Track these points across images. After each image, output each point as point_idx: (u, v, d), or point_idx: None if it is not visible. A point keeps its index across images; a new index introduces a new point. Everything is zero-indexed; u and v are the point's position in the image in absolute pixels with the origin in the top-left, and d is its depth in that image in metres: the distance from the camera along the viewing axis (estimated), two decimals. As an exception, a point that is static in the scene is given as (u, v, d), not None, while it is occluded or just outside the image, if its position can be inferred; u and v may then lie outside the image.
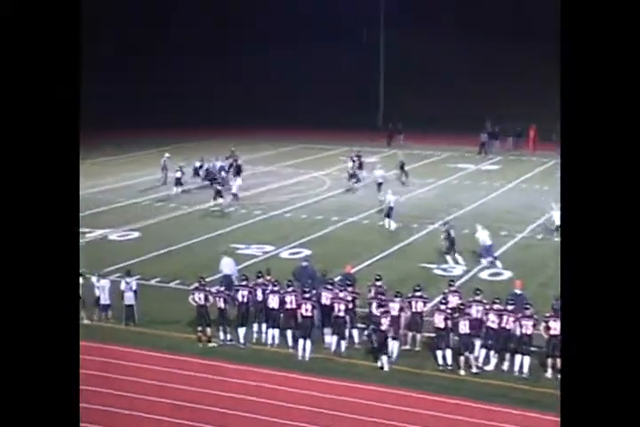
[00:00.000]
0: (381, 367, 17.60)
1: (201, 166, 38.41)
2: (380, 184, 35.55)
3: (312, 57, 62.26)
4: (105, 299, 20.46)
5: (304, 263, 21.45)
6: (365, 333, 18.92)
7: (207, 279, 20.52)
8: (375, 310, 18.34)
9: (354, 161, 38.49)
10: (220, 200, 33.27)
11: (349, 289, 19.11)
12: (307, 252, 26.44)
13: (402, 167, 39.32)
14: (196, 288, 19.48)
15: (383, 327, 17.78)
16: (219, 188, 33.71)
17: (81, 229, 29.60)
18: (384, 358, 17.65)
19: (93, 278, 20.67)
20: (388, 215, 29.91)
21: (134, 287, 20.32)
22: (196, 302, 19.22)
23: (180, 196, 36.02)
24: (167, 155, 38.89)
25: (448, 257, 25.48)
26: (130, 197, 35.82)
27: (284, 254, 26.67)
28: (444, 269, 24.85)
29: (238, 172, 38.21)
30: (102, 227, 30.15)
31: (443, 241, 26.03)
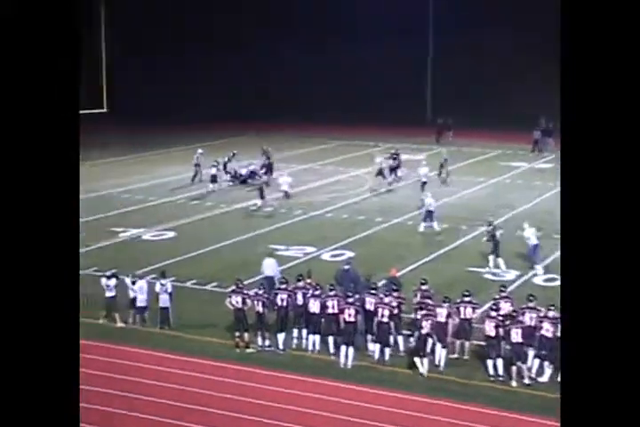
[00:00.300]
0: (421, 374, 17.62)
1: (229, 160, 38.49)
2: (424, 183, 35.44)
3: (356, 50, 62.16)
4: (142, 300, 20.66)
5: (346, 266, 21.48)
6: (411, 340, 18.89)
7: (245, 282, 20.66)
8: (417, 314, 18.36)
9: (394, 159, 38.38)
10: (262, 201, 33.35)
11: (395, 294, 19.12)
12: (349, 254, 26.49)
13: (443, 165, 39.23)
14: (234, 291, 19.62)
15: (424, 331, 17.79)
16: (262, 186, 33.71)
17: (114, 229, 30.05)
18: (421, 360, 17.66)
19: (127, 279, 20.91)
20: (426, 219, 29.83)
21: (169, 289, 20.52)
22: (233, 305, 19.36)
23: (216, 193, 36.30)
24: (200, 151, 39.12)
25: (490, 260, 25.37)
26: (161, 195, 36.17)
27: (326, 256, 26.76)
28: (495, 274, 24.72)
29: (269, 170, 38.45)
30: (135, 226, 30.49)
31: (487, 243, 25.90)
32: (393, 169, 37.95)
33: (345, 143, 51.29)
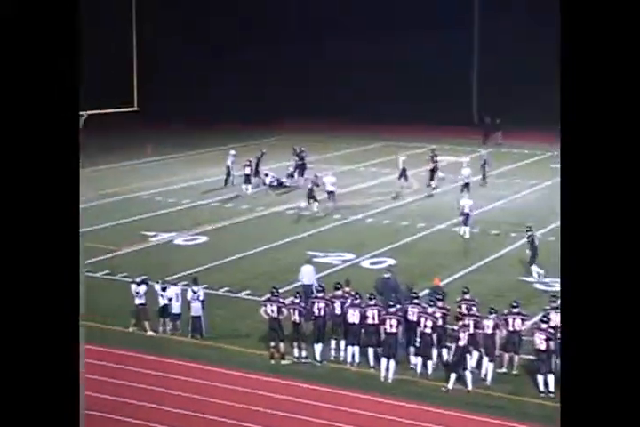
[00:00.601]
0: (447, 389, 17.58)
1: (259, 160, 38.59)
2: (466, 185, 35.36)
3: (398, 46, 62.10)
4: (177, 308, 20.81)
5: (387, 275, 21.46)
6: (448, 352, 18.84)
7: (281, 290, 20.74)
8: (443, 323, 18.33)
9: (435, 161, 38.34)
10: (315, 204, 33.49)
11: (439, 304, 19.07)
12: (390, 261, 26.46)
13: (483, 167, 39.16)
14: (269, 299, 19.70)
15: (461, 343, 17.74)
16: (312, 188, 33.78)
17: (144, 233, 30.33)
18: (456, 375, 17.64)
19: (156, 286, 21.10)
20: (465, 223, 29.83)
21: (202, 297, 20.66)
22: (268, 314, 19.44)
23: (250, 196, 36.51)
24: (233, 152, 39.28)
25: (533, 270, 25.20)
26: (194, 198, 36.45)
27: (365, 264, 26.76)
28: (546, 284, 24.52)
29: (302, 172, 38.67)
30: (167, 230, 30.77)
31: (527, 250, 25.79)
32: (432, 172, 37.90)
33: (388, 144, 51.24)
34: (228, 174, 38.37)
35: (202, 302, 20.59)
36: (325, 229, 31.29)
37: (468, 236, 29.68)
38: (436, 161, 38.38)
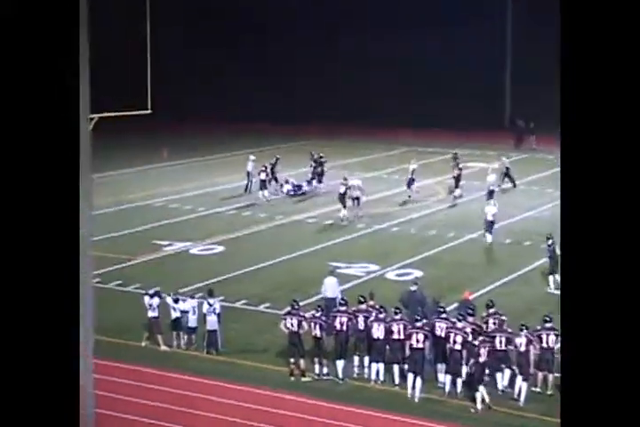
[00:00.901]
0: (475, 410, 17.54)
1: (273, 166, 38.65)
2: (491, 192, 35.36)
3: (419, 50, 62.17)
4: (193, 321, 20.85)
5: (413, 287, 21.41)
6: (467, 369, 18.77)
7: (301, 303, 20.72)
8: (472, 339, 18.21)
9: (460, 168, 38.27)
10: (344, 212, 33.57)
11: (469, 319, 18.97)
12: (417, 273, 26.43)
13: (507, 173, 39.07)
14: (289, 313, 19.71)
15: (481, 359, 17.69)
16: (344, 194, 33.83)
17: (158, 242, 30.42)
18: (478, 395, 17.57)
19: (168, 298, 21.13)
20: (489, 231, 29.93)
21: (218, 310, 20.68)
22: (287, 328, 19.44)
23: (269, 204, 36.62)
24: (252, 157, 39.32)
25: (550, 281, 25.17)
26: (211, 206, 36.56)
27: (390, 276, 26.72)
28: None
29: (320, 179, 38.85)
30: (181, 239, 30.86)
31: (547, 259, 25.82)
32: (456, 179, 37.80)
33: (412, 149, 51.25)
34: (248, 181, 38.47)
35: (218, 315, 20.61)
36: (348, 239, 31.29)
37: (489, 241, 29.69)
38: (461, 168, 38.30)
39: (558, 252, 25.18)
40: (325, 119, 59.19)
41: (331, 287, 22.00)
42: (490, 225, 30.08)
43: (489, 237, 30.16)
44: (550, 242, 25.52)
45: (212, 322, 20.52)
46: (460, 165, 38.46)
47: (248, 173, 38.56)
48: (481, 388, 17.68)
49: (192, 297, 21.45)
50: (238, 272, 26.96)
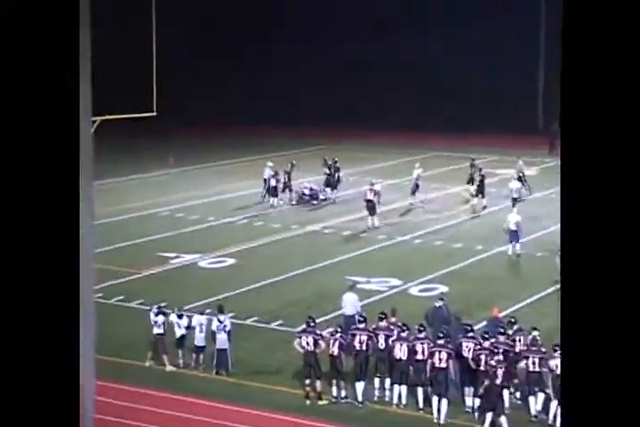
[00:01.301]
0: None
1: (289, 173, 38.79)
2: (515, 200, 35.12)
3: (454, 50, 62.37)
4: (200, 339, 20.85)
5: (438, 304, 21.39)
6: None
7: (318, 320, 20.73)
8: (491, 359, 18.17)
9: (482, 175, 38.04)
10: (372, 220, 33.73)
11: (500, 339, 18.87)
12: (442, 288, 26.39)
13: (520, 179, 39.22)
14: (304, 331, 19.74)
15: (498, 381, 17.66)
16: (372, 199, 33.90)
17: (164, 254, 30.49)
18: (500, 420, 17.49)
19: (172, 315, 21.13)
20: (515, 240, 29.99)
21: (228, 327, 20.68)
22: (303, 347, 19.44)
23: (284, 213, 36.73)
24: (270, 164, 39.34)
25: None
26: (221, 215, 36.68)
27: (414, 291, 26.71)
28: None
29: (334, 186, 38.96)
30: (189, 251, 30.94)
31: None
32: (479, 186, 37.73)
33: (438, 155, 51.21)
34: (268, 189, 38.33)
35: (228, 332, 20.60)
36: (368, 251, 31.28)
37: (517, 253, 29.75)
38: (483, 175, 38.19)
39: (558, 263, 25.15)
40: (343, 123, 59.25)
41: (350, 304, 21.98)
42: (514, 235, 30.05)
43: (515, 248, 30.10)
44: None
45: (221, 340, 20.52)
46: (482, 172, 38.39)
47: (265, 180, 38.55)
48: (502, 418, 17.60)
49: (200, 313, 21.47)
50: (250, 287, 27.01)
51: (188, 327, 20.94)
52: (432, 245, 32.05)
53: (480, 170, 38.56)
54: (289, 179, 38.81)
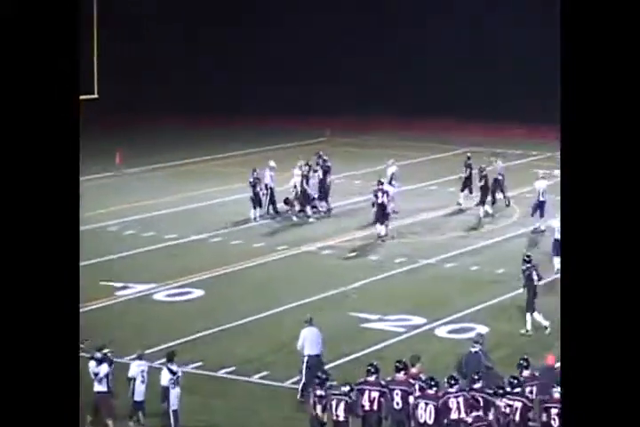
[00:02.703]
0: None
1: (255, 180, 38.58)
2: (540, 204, 35.86)
3: (484, 34, 63.24)
4: (139, 394, 20.79)
5: (474, 348, 21.40)
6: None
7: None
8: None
9: (484, 177, 38.56)
10: (381, 228, 34.29)
11: (556, 395, 18.56)
12: (479, 328, 26.35)
13: (496, 181, 39.60)
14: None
15: None
16: (381, 202, 34.45)
17: (109, 283, 30.44)
18: None
19: (92, 363, 20.83)
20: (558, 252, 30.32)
21: (180, 379, 20.55)
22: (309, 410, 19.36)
23: (268, 228, 36.91)
24: (272, 164, 39.27)
25: (527, 320, 26.02)
26: (186, 231, 36.71)
27: (441, 332, 26.74)
28: None
29: (325, 193, 39.03)
30: (141, 280, 30.87)
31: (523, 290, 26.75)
32: (483, 191, 38.36)
33: (473, 150, 51.30)
34: (267, 197, 38.44)
35: (178, 387, 20.42)
36: (381, 279, 31.28)
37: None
38: (485, 175, 38.51)
39: (536, 278, 26.15)
40: (347, 111, 59.76)
41: (312, 341, 22.28)
42: (557, 246, 30.34)
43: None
44: (527, 266, 26.37)
45: (174, 397, 20.36)
46: (485, 172, 38.71)
47: (267, 187, 38.32)
48: None
49: (139, 358, 21.39)
50: (223, 326, 26.99)
51: (142, 376, 20.90)
52: (467, 271, 32.02)
53: (482, 170, 38.77)
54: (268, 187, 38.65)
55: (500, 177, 39.42)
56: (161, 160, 49.11)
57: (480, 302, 29.03)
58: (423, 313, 27.97)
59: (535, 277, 26.34)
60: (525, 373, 20.08)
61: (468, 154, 42.02)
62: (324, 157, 40.19)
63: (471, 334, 25.06)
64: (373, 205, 35.38)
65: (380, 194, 34.97)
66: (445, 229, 37.25)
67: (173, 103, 61.44)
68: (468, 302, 28.83)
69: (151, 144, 52.89)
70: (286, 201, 38.67)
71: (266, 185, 38.18)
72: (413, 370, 19.80)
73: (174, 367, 20.69)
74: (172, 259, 33.62)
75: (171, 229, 36.94)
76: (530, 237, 36.04)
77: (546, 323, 25.98)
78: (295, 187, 38.32)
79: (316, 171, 39.26)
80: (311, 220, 38.32)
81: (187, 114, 60.29)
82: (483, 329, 26.26)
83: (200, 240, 35.82)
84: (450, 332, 26.72)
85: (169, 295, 29.87)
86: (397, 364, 19.78)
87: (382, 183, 35.58)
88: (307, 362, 21.89)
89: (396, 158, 43.12)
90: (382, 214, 34.85)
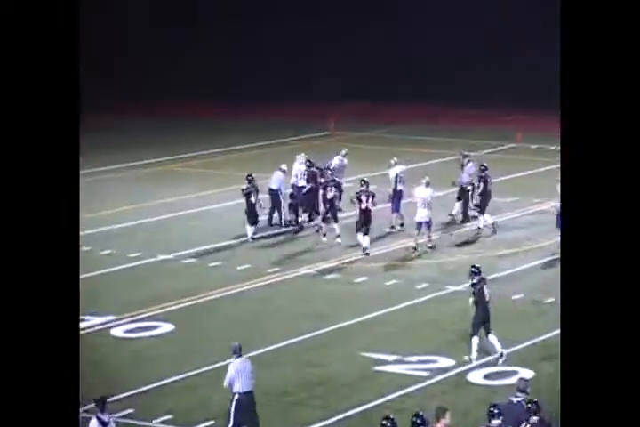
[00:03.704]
0: None
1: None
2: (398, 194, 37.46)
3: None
4: None
5: (517, 398, 21.24)
6: None
7: (321, 424, 21.66)
8: None
9: (484, 178, 39.13)
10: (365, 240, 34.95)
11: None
12: (523, 373, 26.26)
13: (480, 180, 40.08)
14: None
15: None
16: (368, 206, 35.00)
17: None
18: None
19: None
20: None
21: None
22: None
23: (254, 246, 37.34)
24: (283, 167, 39.91)
25: (473, 343, 26.91)
26: (156, 249, 37.07)
27: (474, 377, 26.73)
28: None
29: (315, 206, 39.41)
30: (97, 311, 30.95)
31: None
32: (482, 198, 38.90)
33: (516, 147, 51.64)
34: (277, 207, 39.04)
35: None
36: (399, 310, 31.40)
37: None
38: (486, 179, 39.14)
39: (487, 293, 27.17)
40: (358, 97, 60.75)
41: (243, 376, 22.90)
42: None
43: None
44: (477, 278, 27.38)
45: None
46: (484, 172, 39.35)
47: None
48: None
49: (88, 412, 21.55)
50: (198, 370, 27.02)
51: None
52: (506, 300, 31.91)
53: (483, 170, 39.33)
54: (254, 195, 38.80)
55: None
56: (124, 159, 49.25)
57: (525, 339, 29.09)
58: (452, 353, 27.98)
59: (486, 292, 27.07)
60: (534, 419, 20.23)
61: (465, 152, 42.54)
62: (308, 159, 40.46)
63: (513, 380, 24.84)
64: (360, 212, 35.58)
65: (363, 197, 35.15)
66: (474, 248, 37.65)
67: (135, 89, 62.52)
68: (508, 340, 28.54)
69: (113, 139, 53.04)
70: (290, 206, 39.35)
71: (278, 190, 38.71)
72: (439, 425, 19.51)
73: (105, 417, 20.68)
74: (135, 284, 33.86)
75: (134, 247, 37.22)
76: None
77: (502, 350, 26.81)
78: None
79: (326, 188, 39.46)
80: (309, 232, 38.86)
81: (152, 100, 61.17)
82: (528, 373, 26.18)
83: (170, 261, 36.08)
84: (486, 377, 26.72)
85: (129, 331, 29.98)
86: (415, 418, 19.44)
87: (367, 184, 35.92)
88: (236, 401, 22.45)
89: (409, 158, 43.53)
90: (365, 222, 35.09)
